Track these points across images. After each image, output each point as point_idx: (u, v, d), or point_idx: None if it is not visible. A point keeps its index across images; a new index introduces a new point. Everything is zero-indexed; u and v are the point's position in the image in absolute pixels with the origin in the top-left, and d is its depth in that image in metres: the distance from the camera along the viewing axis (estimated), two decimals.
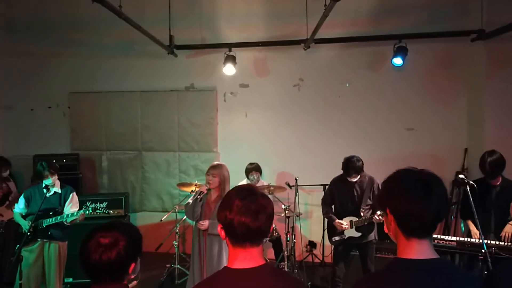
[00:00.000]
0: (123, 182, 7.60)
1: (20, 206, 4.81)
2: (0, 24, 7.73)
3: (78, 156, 7.34)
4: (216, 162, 4.66)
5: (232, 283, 1.66)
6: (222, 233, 1.73)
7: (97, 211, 4.79)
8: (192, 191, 5.88)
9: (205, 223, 4.39)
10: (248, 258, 1.68)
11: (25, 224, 4.66)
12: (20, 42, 7.72)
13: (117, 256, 1.80)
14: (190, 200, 4.56)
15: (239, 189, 1.78)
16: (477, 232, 4.39)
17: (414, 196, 1.53)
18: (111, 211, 4.93)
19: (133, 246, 1.87)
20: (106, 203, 6.15)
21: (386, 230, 1.69)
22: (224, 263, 4.36)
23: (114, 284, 1.83)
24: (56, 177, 4.79)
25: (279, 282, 1.70)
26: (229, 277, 1.68)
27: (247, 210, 1.65)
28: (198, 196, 4.45)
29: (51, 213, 4.70)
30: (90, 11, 5.51)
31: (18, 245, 4.63)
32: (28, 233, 4.59)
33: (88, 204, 5.88)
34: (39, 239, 4.70)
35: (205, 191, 4.48)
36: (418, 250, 1.55)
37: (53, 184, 4.74)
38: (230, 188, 4.47)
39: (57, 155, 7.21)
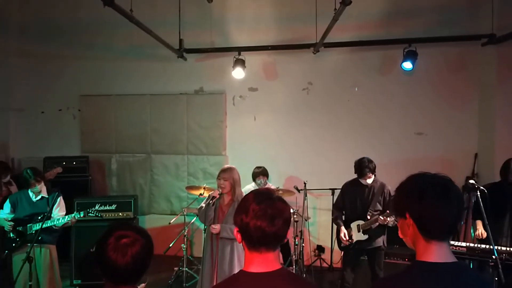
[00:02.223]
0: (132, 184, 7.64)
1: (5, 211, 4.75)
2: (12, 27, 7.83)
3: (88, 159, 7.38)
4: (226, 166, 4.66)
5: (249, 287, 1.66)
6: (238, 237, 1.73)
7: (90, 214, 4.80)
8: (200, 194, 5.90)
9: (216, 227, 4.39)
10: (264, 263, 1.68)
11: (6, 226, 4.63)
12: (32, 45, 7.81)
13: (144, 251, 1.79)
14: (203, 204, 4.57)
15: (256, 193, 1.77)
16: (482, 233, 4.38)
17: (435, 199, 1.54)
18: (105, 214, 4.92)
19: (151, 242, 1.87)
20: (115, 205, 6.19)
21: (400, 235, 1.69)
22: (235, 266, 4.39)
23: (132, 285, 1.83)
24: (42, 183, 4.76)
25: (296, 287, 1.70)
26: (246, 280, 1.68)
27: (263, 214, 1.65)
28: (211, 201, 4.46)
29: (39, 217, 4.65)
30: (101, 15, 5.55)
31: (6, 251, 4.65)
32: (17, 239, 4.59)
33: (97, 206, 5.94)
34: (29, 245, 4.54)
35: (218, 196, 4.48)
36: (437, 253, 1.56)
37: (39, 191, 4.73)
38: (241, 192, 4.55)
39: (67, 157, 7.27)
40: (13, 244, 4.66)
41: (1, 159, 6.99)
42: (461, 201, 1.60)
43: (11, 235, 4.67)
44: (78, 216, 4.66)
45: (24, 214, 4.66)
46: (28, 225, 4.66)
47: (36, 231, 4.58)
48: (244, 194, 4.54)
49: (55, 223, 4.63)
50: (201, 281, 4.59)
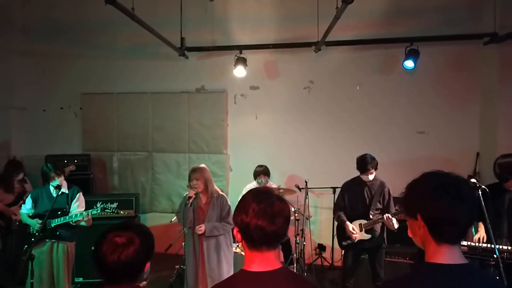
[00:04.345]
0: (134, 183, 7.66)
1: (27, 207, 4.80)
2: (14, 26, 7.84)
3: (89, 157, 7.41)
4: (195, 166, 4.68)
5: (249, 286, 1.66)
6: (238, 236, 1.73)
7: (106, 210, 4.80)
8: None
9: (202, 228, 4.44)
10: (264, 262, 1.68)
11: (34, 224, 4.66)
12: (34, 44, 7.82)
13: (135, 254, 1.80)
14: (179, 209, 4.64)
15: (255, 192, 1.77)
16: (479, 236, 4.36)
17: (450, 201, 1.49)
18: (121, 211, 4.94)
19: (148, 245, 1.89)
20: (117, 203, 6.18)
21: (410, 234, 1.65)
22: (223, 262, 4.45)
23: (128, 284, 1.84)
24: (62, 177, 4.79)
25: (296, 286, 1.70)
26: (246, 279, 1.68)
27: (263, 214, 1.65)
28: (187, 202, 4.50)
29: (59, 213, 4.70)
30: (102, 13, 5.56)
31: (26, 245, 4.66)
32: (36, 233, 4.61)
33: (98, 204, 5.94)
34: (47, 240, 4.70)
35: (193, 196, 4.53)
36: (448, 255, 1.52)
37: (60, 185, 4.76)
38: (215, 188, 4.62)
39: (69, 155, 7.29)
40: (32, 239, 4.66)
41: (3, 157, 7.03)
42: (475, 203, 1.55)
43: (31, 230, 4.69)
44: (95, 212, 4.66)
45: (44, 209, 4.66)
46: (48, 220, 4.67)
47: (55, 226, 4.65)
48: (219, 190, 4.64)
49: (72, 219, 4.65)
50: (187, 283, 4.64)
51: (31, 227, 4.73)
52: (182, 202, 4.68)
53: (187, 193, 4.63)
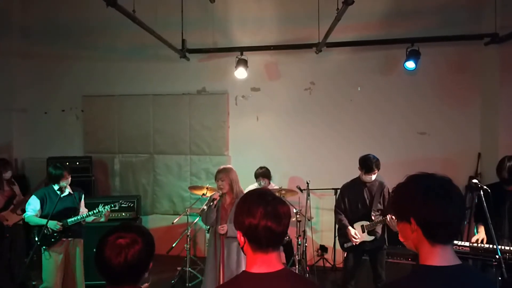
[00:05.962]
0: (135, 184, 7.66)
1: (35, 208, 4.74)
2: (15, 28, 7.86)
3: (91, 159, 7.40)
4: (222, 166, 4.68)
5: (253, 287, 1.66)
6: (242, 240, 1.73)
7: (123, 205, 4.93)
8: (203, 194, 5.92)
9: (224, 227, 4.41)
10: (267, 263, 1.69)
11: (54, 225, 4.63)
12: (34, 46, 7.84)
13: (140, 254, 1.80)
14: (204, 207, 4.58)
15: (258, 194, 1.77)
16: (479, 238, 4.34)
17: (441, 202, 1.50)
18: (131, 205, 5.09)
19: (151, 244, 1.89)
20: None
21: (401, 238, 1.65)
22: (243, 265, 4.38)
23: (132, 285, 1.84)
24: (70, 179, 4.85)
25: (298, 286, 1.71)
26: (249, 281, 1.69)
27: (272, 215, 1.67)
28: (212, 203, 4.48)
29: (73, 212, 4.80)
30: (103, 15, 5.56)
31: (44, 246, 4.69)
32: (55, 234, 4.66)
33: (100, 206, 5.94)
34: (63, 239, 4.76)
35: (218, 198, 4.50)
36: (442, 256, 1.53)
37: (66, 186, 4.78)
38: (241, 189, 4.57)
39: (70, 157, 7.29)
40: (52, 240, 4.69)
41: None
42: (464, 201, 1.57)
43: (47, 231, 4.67)
44: (113, 207, 4.84)
45: (56, 209, 4.64)
46: (68, 220, 4.72)
47: (72, 225, 4.74)
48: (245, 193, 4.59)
49: (90, 217, 4.78)
50: (205, 282, 4.62)
51: (44, 229, 4.64)
52: (207, 202, 4.65)
53: (213, 194, 4.61)
